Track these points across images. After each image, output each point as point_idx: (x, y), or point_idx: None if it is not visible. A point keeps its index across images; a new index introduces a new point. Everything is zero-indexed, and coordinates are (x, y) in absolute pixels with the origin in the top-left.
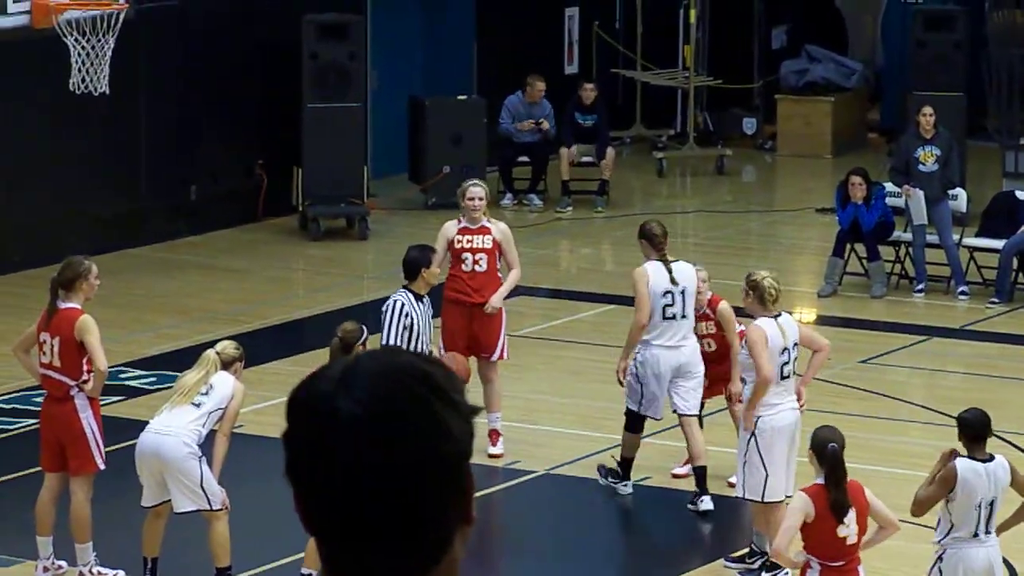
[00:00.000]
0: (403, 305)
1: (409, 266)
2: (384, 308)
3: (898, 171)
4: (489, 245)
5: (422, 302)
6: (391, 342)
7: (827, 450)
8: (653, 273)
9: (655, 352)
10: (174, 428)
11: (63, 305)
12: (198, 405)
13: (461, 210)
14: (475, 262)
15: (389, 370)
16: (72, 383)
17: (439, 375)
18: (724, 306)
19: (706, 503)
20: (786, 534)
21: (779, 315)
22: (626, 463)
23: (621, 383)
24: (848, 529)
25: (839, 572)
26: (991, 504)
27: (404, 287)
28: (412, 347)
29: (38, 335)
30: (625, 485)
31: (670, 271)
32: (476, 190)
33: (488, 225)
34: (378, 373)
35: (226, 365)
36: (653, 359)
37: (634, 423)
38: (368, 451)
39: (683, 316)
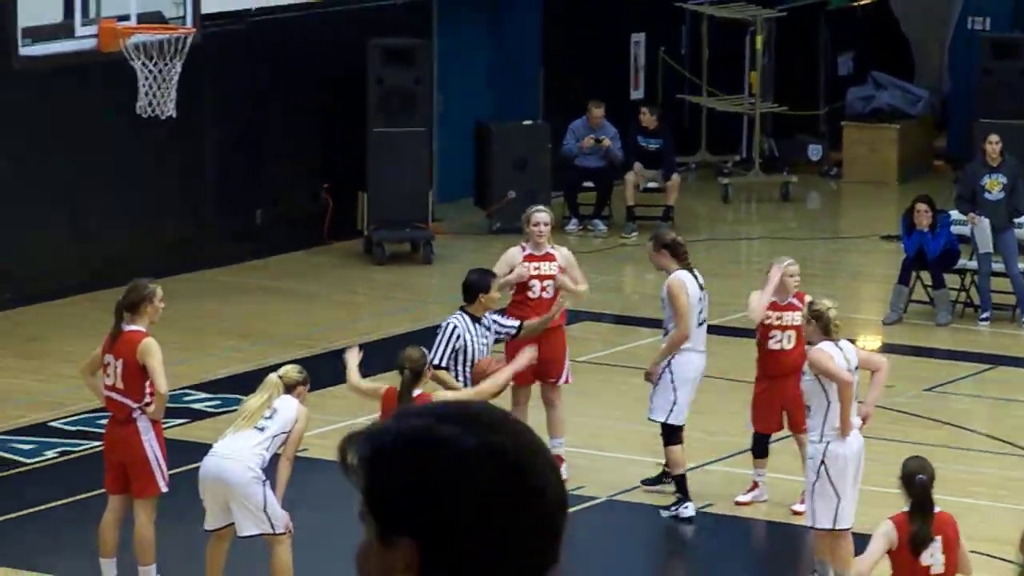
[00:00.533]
0: (455, 327)
1: (469, 288)
2: (439, 329)
3: (964, 199)
4: (555, 271)
5: (480, 324)
6: (439, 363)
7: (916, 481)
8: (689, 282)
9: (691, 357)
10: (238, 452)
11: (127, 328)
12: (262, 429)
13: (525, 236)
14: (543, 288)
15: (494, 411)
16: (135, 405)
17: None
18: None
19: (690, 509)
20: (870, 557)
21: (838, 341)
22: (681, 481)
23: (649, 379)
24: (933, 559)
25: None
26: None
27: (462, 309)
28: (462, 370)
29: (103, 357)
30: (687, 507)
31: (696, 278)
32: (541, 215)
33: (552, 252)
34: (488, 413)
35: (289, 389)
36: (688, 363)
37: (674, 435)
38: (482, 474)
39: (705, 321)
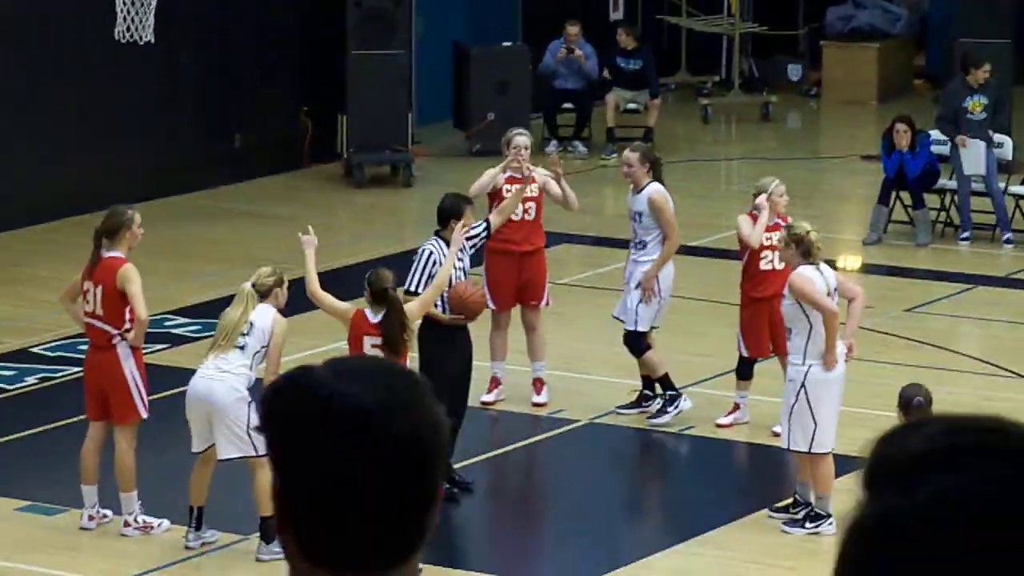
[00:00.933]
0: (431, 254)
1: (442, 213)
2: (415, 254)
3: (945, 120)
4: (536, 193)
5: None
6: (415, 289)
7: (913, 404)
8: (668, 194)
9: (669, 267)
10: (222, 373)
11: (106, 254)
12: (242, 348)
13: (505, 158)
14: (524, 211)
15: (384, 366)
16: (115, 332)
17: (424, 379)
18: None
19: (687, 401)
20: None
21: (818, 264)
22: (667, 380)
23: (647, 292)
24: None
25: None
26: None
27: (436, 234)
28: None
29: (82, 284)
30: (684, 400)
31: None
32: (521, 139)
33: (532, 173)
34: (375, 368)
35: (264, 295)
36: (667, 274)
37: (645, 342)
38: (386, 445)
39: None
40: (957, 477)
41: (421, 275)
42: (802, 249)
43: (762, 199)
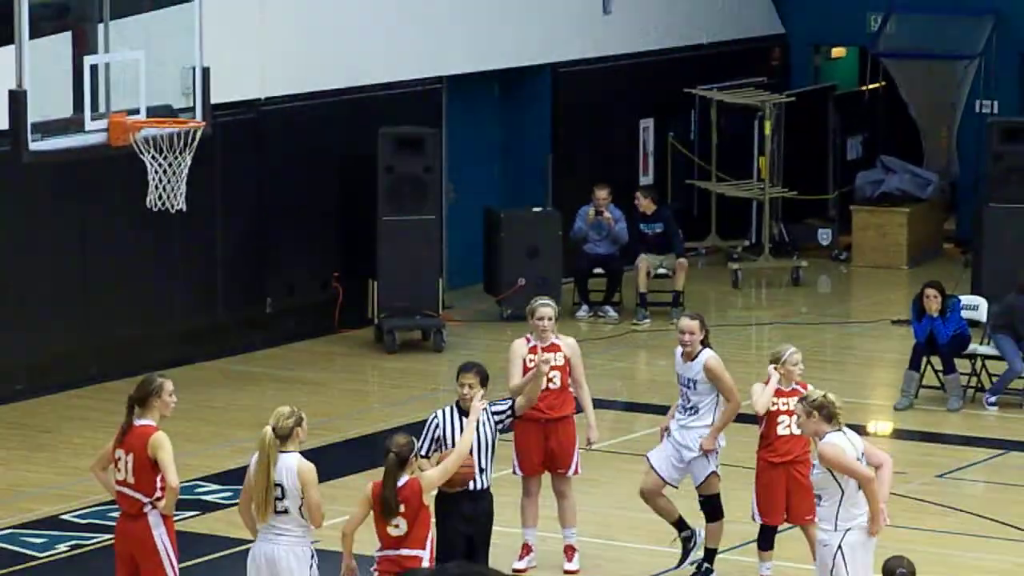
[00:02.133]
0: (434, 418)
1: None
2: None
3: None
4: (561, 362)
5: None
6: (423, 454)
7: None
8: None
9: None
10: (280, 536)
11: (138, 422)
12: (286, 511)
13: (530, 328)
14: (549, 380)
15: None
16: (146, 500)
17: None
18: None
19: None
20: None
21: (842, 429)
22: (713, 554)
23: (706, 455)
24: None
25: None
26: None
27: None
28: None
29: (113, 452)
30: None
31: None
32: (546, 310)
33: (557, 342)
34: None
35: (285, 438)
36: (721, 438)
37: (719, 508)
38: None
39: None
40: None
41: (424, 440)
42: (824, 414)
43: (771, 368)
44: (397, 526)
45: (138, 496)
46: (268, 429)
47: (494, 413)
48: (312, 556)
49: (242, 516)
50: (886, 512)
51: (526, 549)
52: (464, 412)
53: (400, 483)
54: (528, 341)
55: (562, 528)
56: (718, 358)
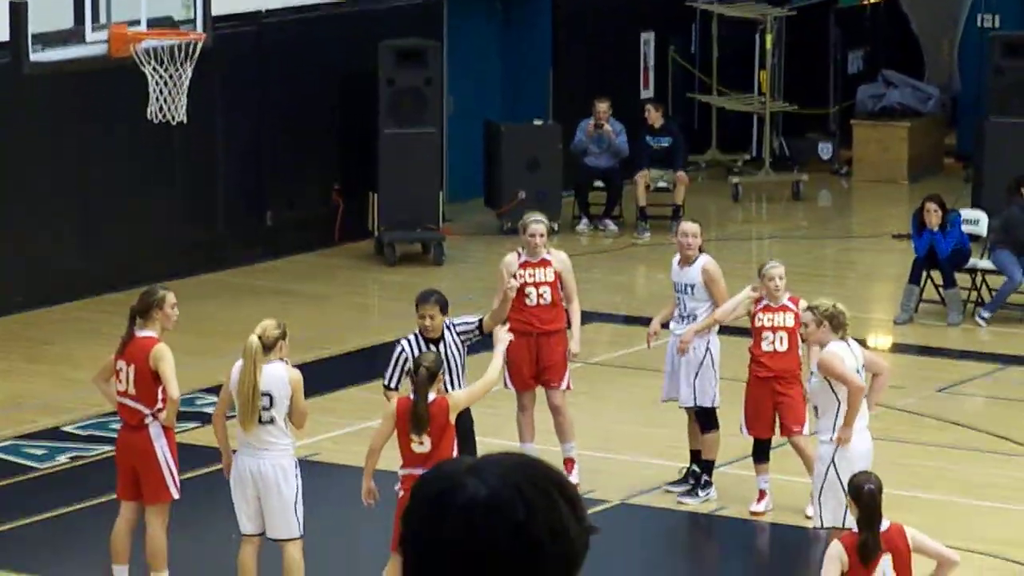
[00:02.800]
0: (401, 351)
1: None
2: (394, 349)
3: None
4: (551, 278)
5: (442, 341)
6: (392, 385)
7: (863, 491)
8: None
9: (717, 343)
10: (264, 451)
11: (140, 334)
12: (272, 421)
13: (521, 243)
14: (539, 296)
15: (526, 464)
16: (147, 411)
17: (569, 484)
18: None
19: (714, 493)
20: None
21: (846, 339)
22: (711, 465)
23: (683, 352)
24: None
25: None
26: None
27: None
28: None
29: (115, 363)
30: (712, 492)
31: None
32: (537, 227)
33: (548, 257)
34: (514, 465)
35: (269, 348)
36: (717, 348)
37: (714, 420)
38: (483, 526)
39: None
40: None
41: (394, 371)
42: (835, 324)
43: (747, 290)
44: (422, 443)
45: (139, 407)
46: (254, 338)
47: (459, 333)
48: (296, 467)
49: (216, 426)
50: (859, 424)
51: None
52: (429, 341)
53: (429, 399)
54: (520, 256)
55: (560, 443)
56: (716, 264)
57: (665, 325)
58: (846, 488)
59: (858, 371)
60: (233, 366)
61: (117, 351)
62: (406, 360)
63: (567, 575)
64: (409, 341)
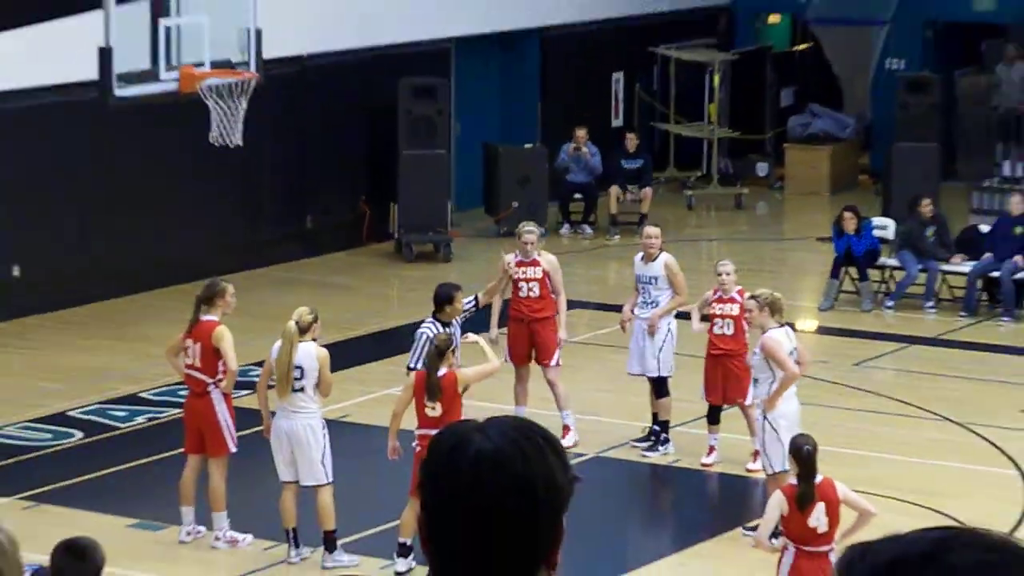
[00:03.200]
0: (423, 335)
1: (437, 300)
2: (415, 335)
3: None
4: (540, 275)
5: (449, 327)
6: (413, 366)
7: (802, 451)
8: None
9: (675, 323)
10: (296, 413)
11: (204, 317)
12: (302, 390)
13: (517, 246)
14: (529, 289)
15: (522, 424)
16: (209, 380)
17: (556, 440)
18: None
19: (671, 447)
20: (766, 525)
21: (783, 324)
22: (666, 424)
23: (651, 334)
24: (818, 521)
25: (810, 556)
26: None
27: (433, 315)
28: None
29: (183, 341)
30: (670, 445)
31: None
32: (530, 235)
33: (538, 258)
34: (513, 425)
35: (304, 330)
36: (675, 327)
37: (667, 388)
38: (489, 478)
39: None
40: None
41: (420, 353)
42: (774, 309)
43: (695, 316)
44: (434, 408)
45: (203, 377)
46: (292, 323)
47: (463, 310)
48: (323, 427)
49: (259, 394)
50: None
51: None
52: (445, 324)
53: (440, 373)
54: (516, 255)
55: (559, 410)
56: (675, 260)
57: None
58: (786, 445)
59: (791, 352)
60: (273, 344)
61: (185, 331)
62: (427, 342)
63: (556, 517)
64: (431, 328)
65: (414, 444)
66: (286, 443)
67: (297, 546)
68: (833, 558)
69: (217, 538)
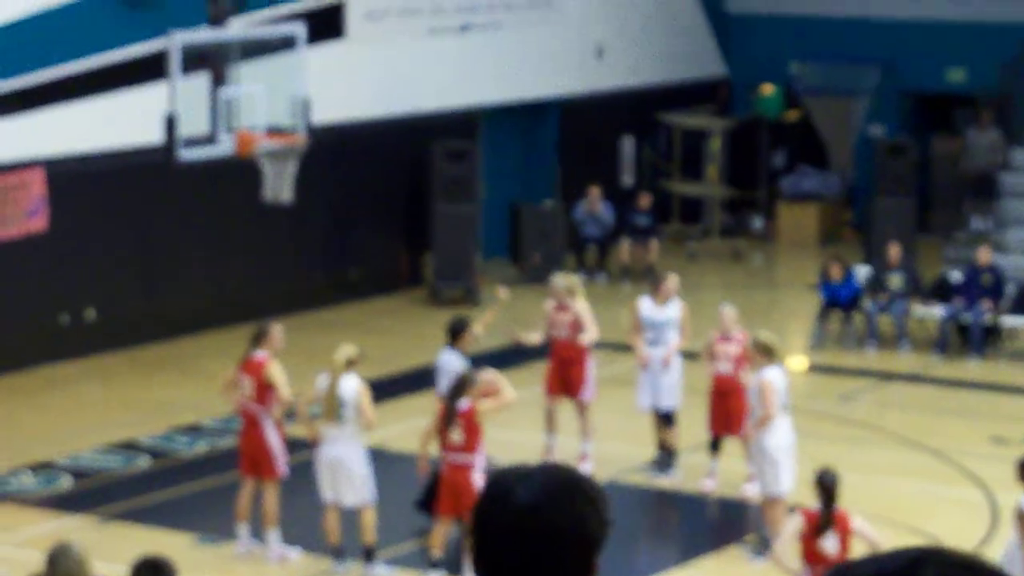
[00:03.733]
0: (446, 363)
1: (452, 331)
2: (438, 365)
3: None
4: (571, 319)
5: (463, 357)
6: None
7: (824, 481)
8: None
9: (680, 363)
10: (340, 440)
11: (255, 354)
12: (345, 418)
13: (551, 293)
14: (559, 331)
15: (558, 475)
16: (261, 411)
17: (591, 487)
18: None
19: (677, 474)
20: (784, 539)
21: (780, 364)
22: (675, 451)
23: (667, 363)
24: (830, 546)
25: None
26: None
27: (449, 346)
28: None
29: (238, 376)
30: (676, 471)
31: None
32: (557, 283)
33: (568, 303)
34: (550, 476)
35: (350, 364)
36: (680, 366)
37: (673, 419)
38: (526, 528)
39: None
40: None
41: (445, 381)
42: (765, 351)
43: (705, 357)
44: (457, 435)
45: (256, 408)
46: (338, 357)
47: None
48: (365, 453)
49: (301, 419)
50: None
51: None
52: (461, 352)
53: (464, 407)
54: (553, 302)
55: (581, 442)
56: (684, 307)
57: None
58: (781, 473)
59: (785, 388)
60: (318, 377)
61: (239, 366)
62: (452, 371)
63: (587, 560)
64: (447, 357)
65: (437, 465)
66: (330, 469)
67: (341, 560)
68: None
69: (270, 553)
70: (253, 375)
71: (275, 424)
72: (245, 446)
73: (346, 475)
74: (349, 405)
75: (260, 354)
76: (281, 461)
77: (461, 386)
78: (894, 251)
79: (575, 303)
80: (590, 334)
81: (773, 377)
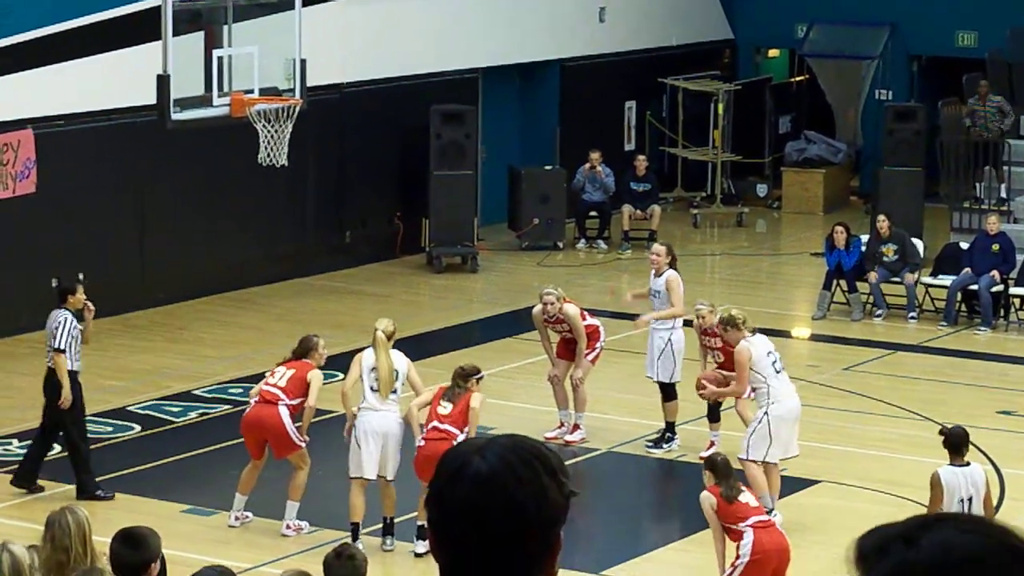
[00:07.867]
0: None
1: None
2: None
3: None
4: (566, 328)
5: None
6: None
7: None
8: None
9: (681, 333)
10: (390, 412)
11: (304, 360)
12: (396, 391)
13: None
14: (560, 333)
15: (517, 446)
16: (285, 398)
17: (554, 458)
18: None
19: (676, 444)
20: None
21: (753, 333)
22: (672, 425)
23: (637, 325)
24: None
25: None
26: (970, 500)
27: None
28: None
29: (275, 369)
30: (676, 442)
31: None
32: (548, 297)
33: (560, 315)
34: (509, 447)
35: (390, 338)
36: (680, 338)
37: (673, 392)
38: (484, 500)
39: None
40: (945, 536)
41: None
42: (731, 325)
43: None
44: (446, 408)
45: (280, 394)
46: (380, 332)
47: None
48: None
49: (345, 398)
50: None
51: (560, 424)
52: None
53: (458, 394)
54: (544, 312)
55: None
56: (677, 276)
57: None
58: (773, 441)
59: (770, 352)
60: (361, 353)
61: (281, 362)
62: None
63: (550, 532)
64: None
65: (421, 438)
66: (380, 441)
67: (357, 538)
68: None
69: (288, 525)
70: (297, 370)
71: (289, 411)
72: (254, 429)
73: (394, 446)
74: (400, 376)
75: (307, 360)
76: (296, 436)
77: (466, 375)
78: (883, 222)
79: (565, 312)
80: (583, 341)
81: (745, 348)
